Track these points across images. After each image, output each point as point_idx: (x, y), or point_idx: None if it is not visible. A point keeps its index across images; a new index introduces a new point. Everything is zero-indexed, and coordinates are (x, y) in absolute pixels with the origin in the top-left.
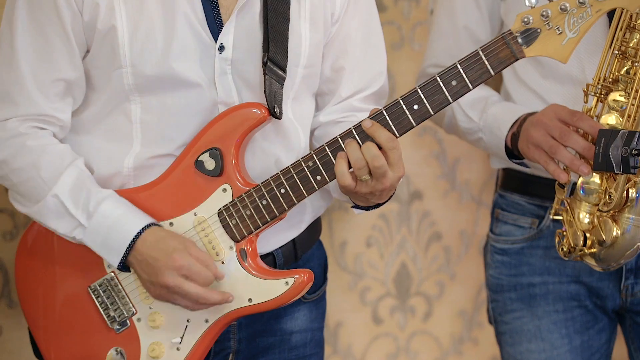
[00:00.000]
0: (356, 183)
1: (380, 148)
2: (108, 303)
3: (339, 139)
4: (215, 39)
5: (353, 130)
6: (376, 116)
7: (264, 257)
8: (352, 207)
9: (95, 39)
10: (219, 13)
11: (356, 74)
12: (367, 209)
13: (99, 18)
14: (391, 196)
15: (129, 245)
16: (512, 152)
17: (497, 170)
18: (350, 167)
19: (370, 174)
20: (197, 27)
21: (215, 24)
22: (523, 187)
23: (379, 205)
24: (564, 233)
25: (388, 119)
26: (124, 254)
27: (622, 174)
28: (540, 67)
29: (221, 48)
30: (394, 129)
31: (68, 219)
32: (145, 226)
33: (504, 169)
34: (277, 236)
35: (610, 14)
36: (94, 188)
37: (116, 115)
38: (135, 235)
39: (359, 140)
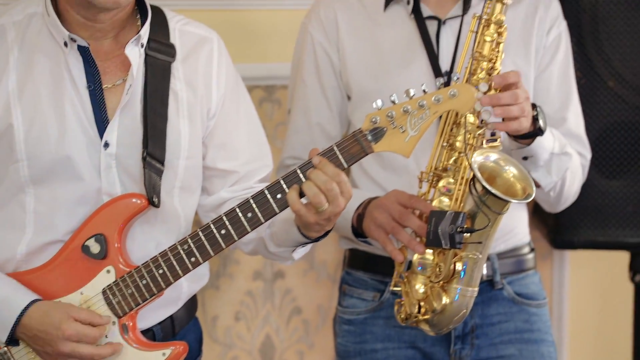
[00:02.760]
0: (312, 212)
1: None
2: None
3: (211, 225)
4: (101, 135)
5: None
6: (250, 199)
7: (144, 333)
8: (292, 252)
9: None
10: (106, 112)
11: (239, 161)
12: (316, 240)
13: None
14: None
15: (15, 321)
16: (358, 231)
17: (345, 251)
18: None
19: (327, 200)
20: (85, 125)
21: (102, 122)
22: (366, 265)
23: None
24: (402, 302)
25: (254, 205)
26: (11, 330)
27: (449, 249)
28: (380, 160)
29: (106, 145)
30: (342, 160)
31: None
32: (29, 303)
33: (350, 249)
34: (156, 312)
35: None
36: None
37: (12, 205)
38: (20, 313)
39: (301, 176)
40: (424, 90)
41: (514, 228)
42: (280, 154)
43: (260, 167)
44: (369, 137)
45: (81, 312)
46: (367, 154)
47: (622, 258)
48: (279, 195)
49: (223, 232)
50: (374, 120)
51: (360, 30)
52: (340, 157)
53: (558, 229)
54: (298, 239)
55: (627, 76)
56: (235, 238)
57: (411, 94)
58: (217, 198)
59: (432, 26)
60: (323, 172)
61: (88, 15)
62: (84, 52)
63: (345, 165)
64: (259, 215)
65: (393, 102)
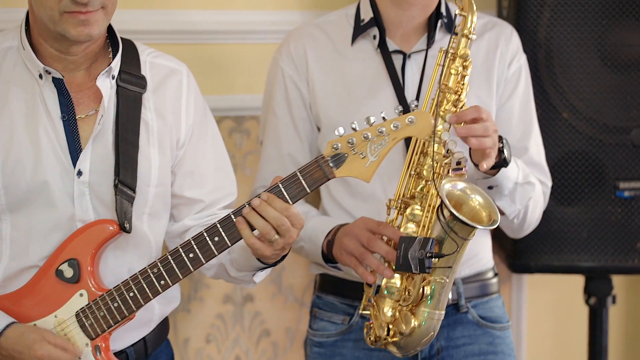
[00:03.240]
0: (266, 245)
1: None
2: None
3: (180, 249)
4: (74, 164)
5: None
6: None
7: (118, 354)
8: (252, 277)
9: None
10: (79, 141)
11: (205, 189)
12: (273, 265)
13: None
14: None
15: None
16: (328, 257)
17: (315, 276)
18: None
19: (277, 233)
20: (59, 154)
21: (75, 151)
22: (336, 290)
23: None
24: (371, 325)
25: (221, 231)
26: None
27: (419, 274)
28: (349, 188)
29: (79, 173)
30: (287, 197)
31: None
32: (6, 325)
33: (320, 274)
34: (129, 334)
35: (408, 142)
36: None
37: None
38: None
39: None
40: (383, 118)
41: (478, 253)
42: (253, 183)
43: (226, 195)
44: (331, 163)
45: (56, 338)
46: (329, 179)
47: (578, 282)
48: None
49: (191, 255)
50: (335, 146)
51: (328, 64)
52: (303, 182)
53: (516, 254)
54: (257, 264)
55: (580, 108)
56: (203, 261)
57: (371, 121)
58: (182, 225)
59: (397, 60)
60: (272, 207)
61: (61, 48)
62: (58, 83)
63: (309, 190)
64: (226, 239)
65: (354, 129)
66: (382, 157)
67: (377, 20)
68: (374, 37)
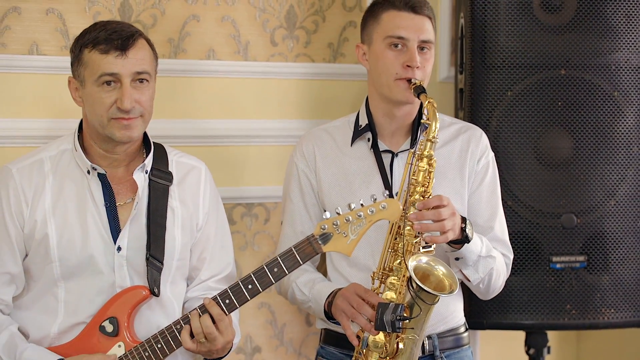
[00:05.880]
0: (197, 344)
1: (213, 320)
2: None
3: (188, 315)
4: (115, 241)
5: (197, 307)
6: (218, 296)
7: None
8: None
9: (32, 246)
10: (119, 224)
11: (213, 263)
12: None
13: (36, 230)
14: (227, 353)
15: None
16: (329, 314)
17: (321, 330)
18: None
19: (205, 338)
20: (103, 233)
21: (115, 231)
22: (336, 342)
23: (222, 357)
24: None
25: (231, 295)
26: None
27: (392, 333)
28: (348, 260)
29: (119, 248)
30: (224, 308)
31: None
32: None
33: (324, 328)
34: None
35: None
36: (20, 343)
37: (47, 296)
38: None
39: (199, 313)
40: (361, 204)
41: (452, 312)
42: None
43: (223, 268)
44: (319, 241)
45: (104, 357)
46: (317, 254)
47: (520, 336)
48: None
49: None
50: (323, 227)
51: (332, 160)
52: (297, 255)
53: (472, 313)
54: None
55: (521, 197)
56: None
57: (352, 207)
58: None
59: (387, 157)
60: (209, 312)
61: (108, 148)
62: (102, 177)
63: (301, 262)
64: (236, 302)
65: (338, 213)
66: (361, 236)
67: (371, 126)
68: (368, 139)
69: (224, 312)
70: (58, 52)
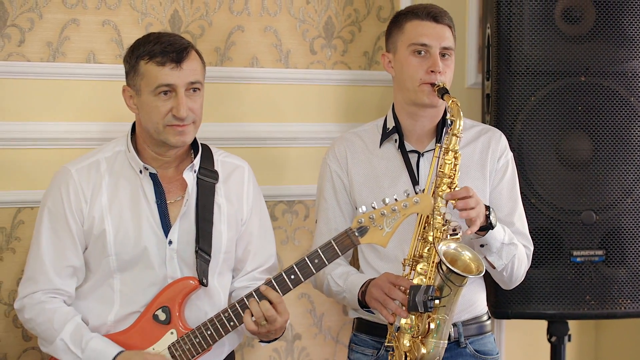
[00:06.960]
0: (258, 327)
1: (271, 303)
2: None
3: (244, 299)
4: (166, 235)
5: (253, 292)
6: (268, 283)
7: None
8: (259, 341)
9: (91, 240)
10: (169, 220)
11: (257, 255)
12: (269, 342)
13: (94, 226)
14: (282, 333)
15: None
16: (362, 303)
17: (353, 319)
18: (252, 316)
19: (266, 320)
20: (155, 229)
21: (166, 227)
22: (368, 330)
23: (276, 339)
24: (393, 354)
25: (275, 284)
26: None
27: (424, 313)
28: (378, 253)
29: (170, 242)
30: (278, 291)
31: (70, 353)
32: (119, 352)
33: (357, 317)
34: None
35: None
36: (85, 333)
37: (104, 287)
38: (114, 358)
39: (257, 299)
40: (395, 199)
41: (475, 302)
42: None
43: (267, 259)
44: (356, 233)
45: (155, 356)
46: (355, 246)
47: (542, 325)
48: (292, 277)
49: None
50: (360, 221)
51: (362, 161)
52: (336, 247)
53: (497, 304)
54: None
55: (544, 195)
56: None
57: (387, 202)
58: (231, 286)
59: (413, 157)
60: (267, 297)
61: (160, 151)
62: (153, 177)
63: (340, 254)
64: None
65: (373, 207)
66: (395, 228)
67: (397, 128)
68: (395, 140)
69: (279, 294)
70: (113, 60)
